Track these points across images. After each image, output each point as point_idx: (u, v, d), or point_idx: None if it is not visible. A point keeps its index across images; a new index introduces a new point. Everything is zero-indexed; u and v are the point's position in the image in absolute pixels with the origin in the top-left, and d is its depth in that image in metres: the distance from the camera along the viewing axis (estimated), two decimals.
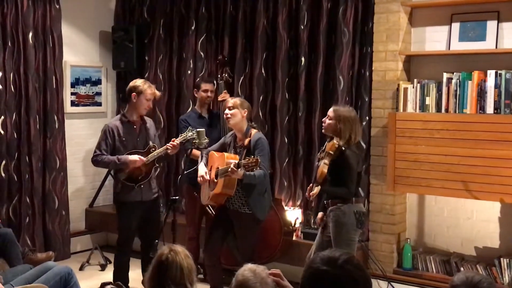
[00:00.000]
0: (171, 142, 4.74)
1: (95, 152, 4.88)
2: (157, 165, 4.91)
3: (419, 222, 5.19)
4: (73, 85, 6.50)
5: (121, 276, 4.95)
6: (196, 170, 4.78)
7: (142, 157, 4.77)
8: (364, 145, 5.20)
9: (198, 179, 4.65)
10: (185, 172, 4.92)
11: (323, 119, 4.35)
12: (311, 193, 4.11)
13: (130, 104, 4.90)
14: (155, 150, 4.81)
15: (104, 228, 6.65)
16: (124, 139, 4.84)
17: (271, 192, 5.11)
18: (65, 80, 6.30)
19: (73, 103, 6.51)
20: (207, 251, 4.72)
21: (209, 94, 5.44)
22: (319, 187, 4.10)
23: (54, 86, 6.07)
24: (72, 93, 6.49)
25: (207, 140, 4.66)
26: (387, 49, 5.01)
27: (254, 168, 4.27)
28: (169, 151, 4.75)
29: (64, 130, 6.19)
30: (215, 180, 4.56)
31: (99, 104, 6.79)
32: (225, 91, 5.46)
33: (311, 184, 4.17)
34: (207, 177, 4.58)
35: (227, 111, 4.61)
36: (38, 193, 5.97)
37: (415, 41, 5.09)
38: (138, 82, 4.91)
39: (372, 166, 5.16)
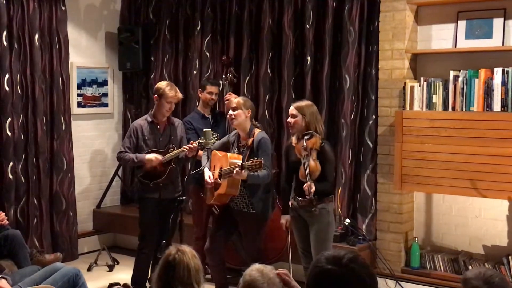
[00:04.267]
0: (188, 145, 4.81)
1: (120, 149, 5.09)
2: (173, 165, 4.95)
3: (426, 221, 5.18)
4: (79, 87, 6.52)
5: (137, 274, 5.03)
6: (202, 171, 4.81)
7: (158, 156, 4.86)
8: (371, 144, 5.21)
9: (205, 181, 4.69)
10: (192, 172, 4.95)
11: (287, 120, 4.42)
12: (312, 190, 4.11)
13: (155, 105, 5.01)
14: (173, 150, 4.89)
15: (112, 229, 6.67)
16: (146, 138, 4.98)
17: (278, 191, 5.12)
18: (71, 81, 6.32)
19: (79, 104, 6.53)
20: (209, 250, 4.73)
21: (213, 97, 5.46)
22: (313, 186, 4.12)
23: (61, 88, 6.10)
24: (78, 95, 6.51)
25: (213, 140, 4.70)
26: (393, 48, 5.01)
27: (258, 170, 4.30)
28: (186, 152, 4.82)
29: (71, 131, 6.22)
30: (219, 181, 4.58)
31: (106, 105, 6.81)
32: (230, 92, 5.48)
33: (308, 183, 4.14)
34: (211, 181, 4.61)
35: (230, 111, 4.63)
36: (45, 194, 6.00)
37: (421, 39, 5.09)
38: (161, 84, 5.02)
39: (379, 165, 5.16)
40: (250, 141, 4.58)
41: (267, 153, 4.51)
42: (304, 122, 4.30)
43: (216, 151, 4.73)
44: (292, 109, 4.39)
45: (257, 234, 4.64)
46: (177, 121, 5.15)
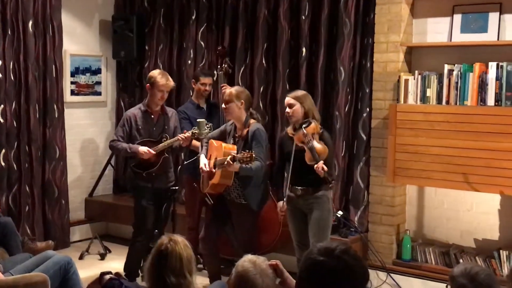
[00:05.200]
0: (182, 134, 4.82)
1: (113, 138, 5.08)
2: (167, 155, 4.97)
3: (418, 214, 5.21)
4: (72, 74, 6.50)
5: (130, 263, 5.07)
6: (196, 161, 4.81)
7: (150, 150, 4.86)
8: (364, 137, 5.23)
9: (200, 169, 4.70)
10: (185, 162, 4.95)
11: (286, 111, 4.41)
12: (325, 169, 4.10)
13: (148, 95, 5.01)
14: (167, 140, 4.89)
15: (104, 218, 6.68)
16: (140, 127, 4.97)
17: (271, 182, 5.14)
18: (64, 69, 6.30)
19: (72, 92, 6.52)
20: (203, 239, 4.75)
21: (207, 88, 5.44)
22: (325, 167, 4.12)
23: (54, 75, 6.08)
24: (71, 82, 6.49)
25: (207, 131, 4.70)
26: (389, 40, 5.01)
27: (249, 163, 4.30)
28: (181, 142, 4.83)
29: (64, 120, 6.20)
30: (213, 170, 4.60)
31: (99, 94, 6.79)
32: (225, 84, 5.47)
33: (320, 163, 4.11)
34: (206, 168, 4.61)
35: (223, 105, 4.61)
36: (37, 182, 5.99)
37: (416, 32, 5.09)
38: (153, 73, 5.02)
39: (373, 158, 5.17)
40: (245, 131, 4.58)
41: (261, 144, 4.51)
42: (303, 110, 4.32)
43: (212, 140, 4.73)
44: (288, 99, 4.39)
45: (249, 225, 4.65)
46: (171, 111, 5.14)
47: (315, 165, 4.13)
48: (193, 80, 5.55)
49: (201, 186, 4.83)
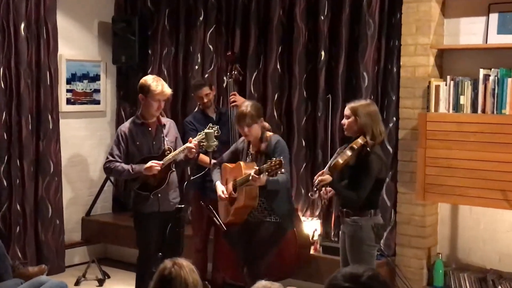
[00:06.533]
0: (187, 144, 4.64)
1: (107, 158, 4.86)
2: (173, 170, 4.84)
3: (452, 235, 5.16)
4: (69, 81, 6.52)
5: None
6: (204, 176, 4.79)
7: (157, 162, 4.68)
8: (390, 149, 5.19)
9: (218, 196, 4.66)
10: (192, 178, 4.91)
11: (342, 121, 4.35)
12: (320, 178, 4.06)
13: (142, 105, 4.88)
14: (170, 153, 4.76)
15: (102, 239, 6.67)
16: (138, 143, 4.80)
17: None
18: (60, 75, 6.32)
19: (69, 101, 6.53)
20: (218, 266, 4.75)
21: (205, 100, 5.40)
22: (330, 177, 4.06)
23: (48, 82, 6.09)
24: (68, 90, 6.51)
25: (216, 143, 4.64)
26: (417, 43, 4.99)
27: (278, 171, 4.22)
28: (187, 153, 4.64)
29: (59, 131, 6.22)
30: (234, 194, 4.54)
31: (98, 103, 6.81)
32: (234, 92, 5.44)
33: (322, 170, 4.14)
34: (225, 195, 4.57)
35: (245, 129, 4.50)
36: (29, 200, 5.99)
37: (448, 33, 5.07)
38: (146, 80, 4.82)
39: (400, 173, 5.14)
40: (264, 146, 4.54)
41: (285, 155, 4.47)
42: (357, 125, 4.17)
43: (226, 164, 4.70)
44: (346, 109, 4.29)
45: (275, 247, 4.61)
46: (168, 121, 5.00)
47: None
48: (192, 94, 5.54)
49: (220, 217, 4.74)
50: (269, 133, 4.61)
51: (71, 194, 6.60)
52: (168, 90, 4.82)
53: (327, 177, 4.07)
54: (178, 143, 4.90)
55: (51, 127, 6.13)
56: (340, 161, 4.05)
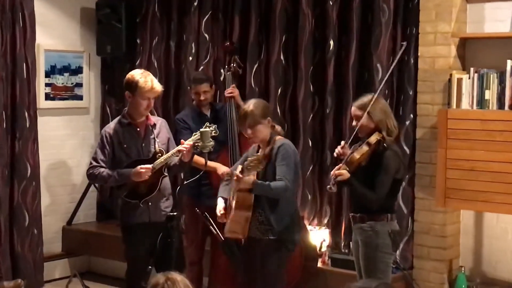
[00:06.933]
0: (180, 146, 4.61)
1: (90, 164, 4.83)
2: (166, 175, 4.82)
3: (476, 246, 5.17)
4: (48, 75, 6.53)
5: None
6: (198, 180, 4.79)
7: (147, 166, 4.64)
8: (407, 150, 5.19)
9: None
10: (185, 182, 4.91)
11: (353, 124, 4.41)
12: (337, 172, 4.11)
13: (129, 104, 4.85)
14: (162, 156, 4.74)
15: (85, 251, 6.68)
16: (125, 145, 4.77)
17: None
18: (38, 68, 6.32)
19: (47, 97, 6.54)
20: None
21: (201, 97, 5.40)
22: (348, 173, 4.10)
23: (25, 76, 6.10)
24: (46, 84, 6.52)
25: (212, 143, 4.62)
26: (437, 31, 4.99)
27: (258, 165, 4.18)
28: (181, 156, 4.60)
29: (37, 130, 6.22)
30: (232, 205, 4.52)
31: (80, 98, 6.82)
32: (233, 85, 5.44)
33: (340, 165, 4.15)
34: (221, 213, 4.53)
35: (248, 131, 4.47)
36: (4, 207, 5.98)
37: (471, 20, 5.07)
38: (132, 75, 4.76)
39: (418, 176, 5.14)
40: (268, 150, 4.46)
41: (287, 162, 4.38)
42: (372, 123, 4.27)
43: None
44: (354, 110, 4.36)
45: (277, 269, 4.48)
46: (158, 120, 4.97)
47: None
48: (188, 86, 5.54)
49: (215, 229, 4.69)
50: (278, 137, 4.54)
51: (51, 200, 6.60)
52: (158, 87, 4.78)
53: (345, 173, 4.13)
54: (171, 144, 4.86)
55: (28, 126, 6.12)
56: (357, 155, 4.15)
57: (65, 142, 6.73)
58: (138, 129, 4.83)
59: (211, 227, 4.77)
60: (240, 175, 4.27)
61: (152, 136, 4.83)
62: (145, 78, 4.72)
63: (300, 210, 5.56)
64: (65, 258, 6.65)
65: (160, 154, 4.73)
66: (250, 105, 4.51)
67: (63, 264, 6.61)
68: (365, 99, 4.37)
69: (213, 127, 4.59)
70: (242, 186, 4.35)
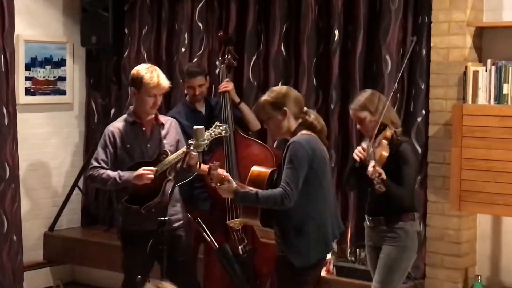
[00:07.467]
0: (184, 148, 4.49)
1: (91, 164, 4.80)
2: (170, 178, 4.76)
3: (493, 254, 5.18)
4: (28, 67, 6.54)
5: None
6: (190, 183, 4.77)
7: (150, 168, 4.60)
8: (419, 149, 5.19)
9: None
10: (177, 184, 4.90)
11: (357, 127, 4.50)
12: (379, 171, 4.08)
13: (134, 101, 4.85)
14: (167, 157, 4.72)
15: (69, 259, 6.68)
16: (129, 146, 4.75)
17: None
18: (17, 60, 6.33)
19: (28, 92, 6.54)
20: None
21: (196, 92, 5.40)
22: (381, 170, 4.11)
23: (3, 69, 6.08)
24: (26, 78, 6.53)
25: (207, 142, 4.59)
26: (451, 19, 5.00)
27: (215, 174, 4.04)
28: (188, 159, 4.42)
29: (16, 128, 6.20)
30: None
31: (63, 93, 6.82)
32: (228, 79, 5.43)
33: (372, 163, 4.12)
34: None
35: (265, 126, 4.36)
36: None
37: (488, 8, 5.08)
38: (138, 70, 4.74)
39: (430, 178, 5.15)
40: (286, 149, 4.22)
41: (292, 164, 4.03)
42: (378, 120, 4.31)
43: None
44: (353, 113, 4.41)
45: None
46: (168, 120, 4.94)
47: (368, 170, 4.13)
48: (181, 80, 5.54)
49: (209, 235, 4.58)
50: (301, 132, 4.18)
51: (31, 204, 6.60)
52: (165, 83, 4.73)
53: (380, 171, 4.12)
54: (181, 147, 4.76)
55: (6, 123, 6.11)
56: (385, 153, 4.22)
57: (47, 141, 6.73)
58: (144, 128, 4.80)
59: (204, 234, 4.75)
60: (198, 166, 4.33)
61: (159, 137, 4.82)
62: (150, 73, 4.70)
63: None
64: (47, 267, 6.64)
65: (164, 156, 4.68)
66: (266, 95, 4.26)
67: (45, 273, 6.62)
68: (361, 97, 4.44)
69: (224, 126, 4.60)
70: (225, 196, 4.29)
